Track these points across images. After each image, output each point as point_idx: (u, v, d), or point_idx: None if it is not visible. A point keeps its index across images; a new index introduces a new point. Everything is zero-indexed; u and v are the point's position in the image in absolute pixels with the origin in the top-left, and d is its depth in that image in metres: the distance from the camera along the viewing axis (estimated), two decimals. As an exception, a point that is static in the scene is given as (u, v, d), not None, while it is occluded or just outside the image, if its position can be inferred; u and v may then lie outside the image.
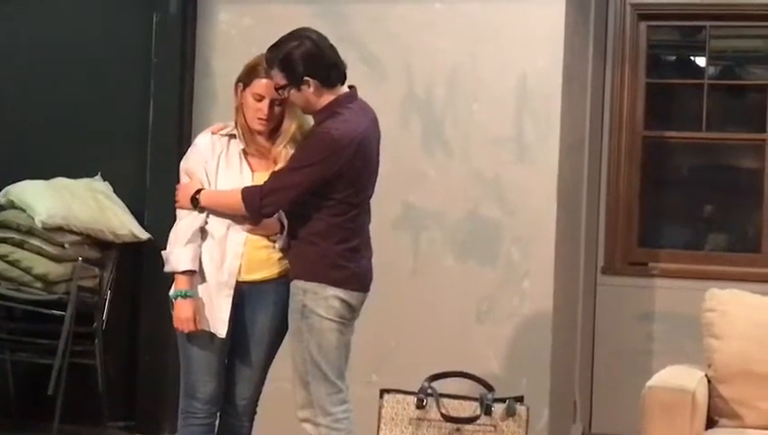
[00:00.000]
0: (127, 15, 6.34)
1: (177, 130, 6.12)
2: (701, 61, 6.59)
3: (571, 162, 5.97)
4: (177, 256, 4.17)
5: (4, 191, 6.03)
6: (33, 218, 5.82)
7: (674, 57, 6.87)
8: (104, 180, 6.23)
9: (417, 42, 5.87)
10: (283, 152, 4.20)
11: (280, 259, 4.24)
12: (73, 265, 5.81)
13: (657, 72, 6.56)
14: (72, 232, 5.87)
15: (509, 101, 5.77)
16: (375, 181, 4.29)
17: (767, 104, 6.28)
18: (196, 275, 4.17)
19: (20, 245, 5.85)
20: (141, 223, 6.09)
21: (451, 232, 5.83)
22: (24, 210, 5.89)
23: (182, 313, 4.15)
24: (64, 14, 6.41)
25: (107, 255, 6.01)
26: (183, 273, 4.16)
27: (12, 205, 5.96)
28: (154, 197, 6.06)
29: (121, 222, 6.02)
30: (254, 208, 4.11)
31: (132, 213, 6.10)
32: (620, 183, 6.38)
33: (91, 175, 6.22)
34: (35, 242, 5.83)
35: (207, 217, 4.20)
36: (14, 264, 5.84)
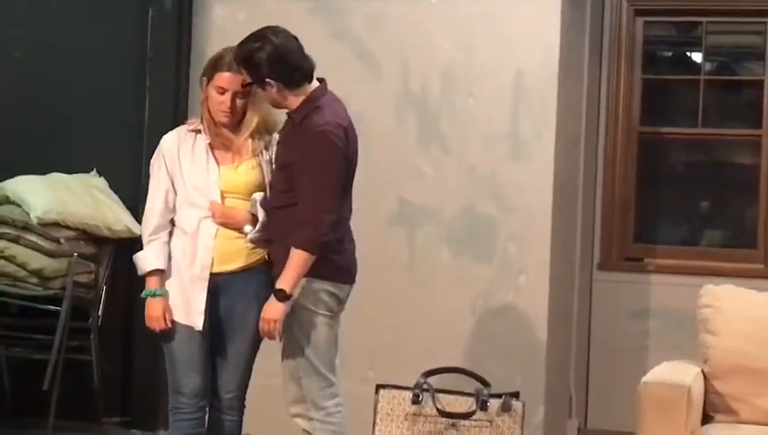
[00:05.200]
0: (122, 10, 6.33)
1: (172, 125, 6.01)
2: (697, 57, 6.58)
3: (567, 158, 5.96)
4: (143, 257, 4.26)
5: (-1, 186, 6.03)
6: (28, 214, 5.81)
7: (670, 53, 6.86)
8: (100, 176, 6.22)
9: (412, 37, 5.86)
10: (247, 143, 4.23)
11: (254, 249, 4.24)
12: (69, 260, 5.80)
13: (654, 68, 6.55)
14: (67, 227, 5.86)
15: (505, 96, 5.76)
16: (355, 171, 4.28)
17: (763, 100, 6.27)
18: (165, 272, 4.23)
19: (15, 240, 5.82)
20: (137, 218, 6.06)
21: (446, 228, 5.82)
22: (19, 206, 5.88)
23: (152, 311, 4.23)
24: (60, 10, 6.39)
25: (102, 250, 6.01)
26: (150, 273, 4.23)
27: (7, 200, 5.94)
28: (150, 192, 6.04)
29: (117, 217, 6.01)
30: (318, 246, 4.06)
31: (128, 208, 6.09)
32: (616, 179, 6.37)
33: (86, 170, 6.21)
34: (31, 238, 5.81)
35: (175, 209, 4.24)
36: (9, 259, 5.82)
